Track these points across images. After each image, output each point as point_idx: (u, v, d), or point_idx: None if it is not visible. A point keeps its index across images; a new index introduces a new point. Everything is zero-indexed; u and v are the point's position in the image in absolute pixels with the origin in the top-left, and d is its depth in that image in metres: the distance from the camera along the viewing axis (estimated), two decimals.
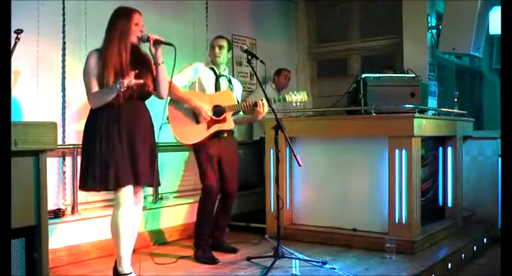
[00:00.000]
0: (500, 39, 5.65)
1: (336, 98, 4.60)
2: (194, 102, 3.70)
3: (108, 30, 3.05)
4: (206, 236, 3.78)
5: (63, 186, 3.88)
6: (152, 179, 3.08)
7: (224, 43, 3.90)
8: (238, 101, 3.87)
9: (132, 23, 3.03)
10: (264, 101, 3.70)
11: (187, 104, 3.71)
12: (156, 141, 3.19)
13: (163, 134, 3.48)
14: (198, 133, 3.73)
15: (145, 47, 3.14)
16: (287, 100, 3.92)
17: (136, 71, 2.91)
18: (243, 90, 4.20)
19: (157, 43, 3.06)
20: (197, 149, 3.78)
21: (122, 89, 2.86)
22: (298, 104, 3.95)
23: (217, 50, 3.88)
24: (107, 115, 2.97)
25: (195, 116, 3.73)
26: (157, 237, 4.29)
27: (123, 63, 2.98)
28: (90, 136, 2.99)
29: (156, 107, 3.38)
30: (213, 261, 3.66)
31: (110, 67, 2.94)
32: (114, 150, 2.93)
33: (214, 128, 3.77)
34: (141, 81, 2.94)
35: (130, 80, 2.86)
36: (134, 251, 3.22)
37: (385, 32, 6.22)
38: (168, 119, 3.70)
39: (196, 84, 3.83)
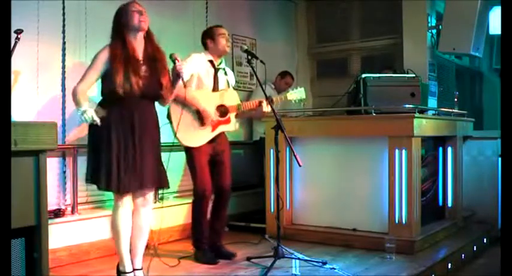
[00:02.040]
0: (500, 39, 5.64)
1: (336, 98, 4.61)
2: (201, 106, 3.61)
3: (112, 29, 3.04)
4: (204, 238, 3.74)
5: (63, 186, 3.88)
6: (157, 181, 3.05)
7: (227, 32, 3.80)
8: (241, 101, 3.82)
9: (127, 12, 2.99)
10: (265, 103, 3.71)
11: (192, 107, 3.62)
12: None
13: (162, 134, 3.47)
14: (203, 136, 3.65)
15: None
16: (288, 98, 3.91)
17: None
18: (243, 90, 4.21)
19: (178, 75, 3.08)
20: (190, 148, 3.67)
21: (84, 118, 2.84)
22: (297, 101, 3.93)
23: (224, 41, 3.73)
24: (119, 113, 2.93)
25: (199, 117, 3.64)
26: (158, 237, 4.29)
27: (130, 55, 2.94)
28: (99, 132, 2.93)
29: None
30: (213, 261, 3.65)
31: (118, 61, 2.90)
32: (124, 152, 2.91)
33: (219, 129, 3.71)
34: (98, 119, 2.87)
35: (96, 119, 2.83)
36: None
37: (385, 32, 6.21)
38: (170, 119, 3.61)
39: (195, 78, 3.68)
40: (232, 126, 3.79)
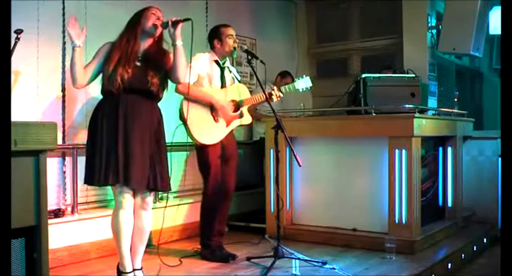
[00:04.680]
0: (500, 39, 5.64)
1: (336, 98, 4.60)
2: (214, 99, 3.61)
3: (125, 26, 3.06)
4: (214, 236, 3.75)
5: (63, 186, 3.88)
6: (151, 182, 2.96)
7: (234, 32, 3.81)
8: (251, 94, 3.84)
9: (145, 12, 3.03)
10: (276, 91, 3.77)
11: (205, 102, 3.60)
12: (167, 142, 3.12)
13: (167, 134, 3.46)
14: (218, 132, 3.66)
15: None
16: (296, 87, 3.90)
17: None
18: None
19: (175, 23, 3.01)
20: (204, 148, 3.66)
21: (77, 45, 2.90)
22: (304, 90, 3.93)
23: (232, 42, 3.75)
24: (108, 109, 2.93)
25: (212, 113, 3.64)
26: (157, 238, 4.29)
27: (129, 47, 2.94)
28: (90, 129, 2.98)
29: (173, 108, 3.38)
30: (224, 259, 3.66)
31: (115, 52, 2.92)
32: (106, 146, 2.88)
33: (234, 124, 3.72)
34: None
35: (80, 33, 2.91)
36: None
37: (385, 32, 6.22)
38: (183, 119, 3.57)
39: (205, 78, 3.69)
40: (246, 120, 3.80)
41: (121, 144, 2.89)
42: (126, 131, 2.91)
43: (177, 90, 3.52)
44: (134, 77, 2.93)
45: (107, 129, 2.91)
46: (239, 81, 3.93)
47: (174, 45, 3.02)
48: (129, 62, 2.93)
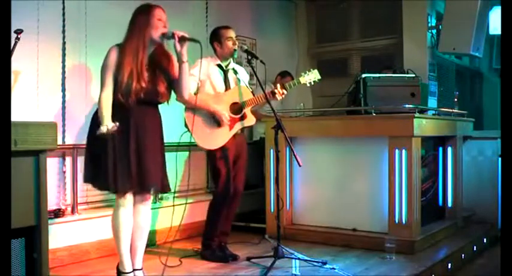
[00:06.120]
0: (500, 39, 5.65)
1: (336, 98, 4.60)
2: (212, 107, 3.62)
3: (128, 27, 3.00)
4: (216, 237, 3.76)
5: (63, 186, 3.88)
6: (160, 183, 3.02)
7: (234, 34, 3.80)
8: (254, 95, 3.80)
9: (152, 18, 2.97)
10: (279, 88, 3.75)
11: (205, 111, 3.62)
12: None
13: (172, 134, 3.46)
14: (222, 136, 3.66)
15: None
16: (301, 82, 3.88)
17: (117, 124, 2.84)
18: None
19: (183, 40, 2.98)
20: (212, 151, 3.68)
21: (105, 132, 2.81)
22: (312, 83, 3.91)
23: (231, 43, 3.75)
24: (118, 117, 2.90)
25: (215, 119, 3.65)
26: (157, 237, 4.29)
27: (138, 60, 2.90)
28: (97, 137, 2.92)
29: (178, 113, 3.39)
30: (225, 259, 3.67)
31: (125, 64, 2.88)
32: (123, 154, 2.89)
33: (237, 126, 3.72)
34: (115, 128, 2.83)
35: (112, 128, 2.81)
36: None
37: (385, 32, 6.22)
38: (187, 127, 3.61)
39: (207, 83, 3.72)
40: (249, 122, 3.78)
41: (133, 154, 2.90)
42: (138, 142, 2.93)
43: (177, 99, 3.53)
44: (146, 91, 2.93)
45: (119, 140, 2.89)
46: (246, 85, 3.92)
47: (180, 62, 3.02)
48: (142, 75, 2.91)
